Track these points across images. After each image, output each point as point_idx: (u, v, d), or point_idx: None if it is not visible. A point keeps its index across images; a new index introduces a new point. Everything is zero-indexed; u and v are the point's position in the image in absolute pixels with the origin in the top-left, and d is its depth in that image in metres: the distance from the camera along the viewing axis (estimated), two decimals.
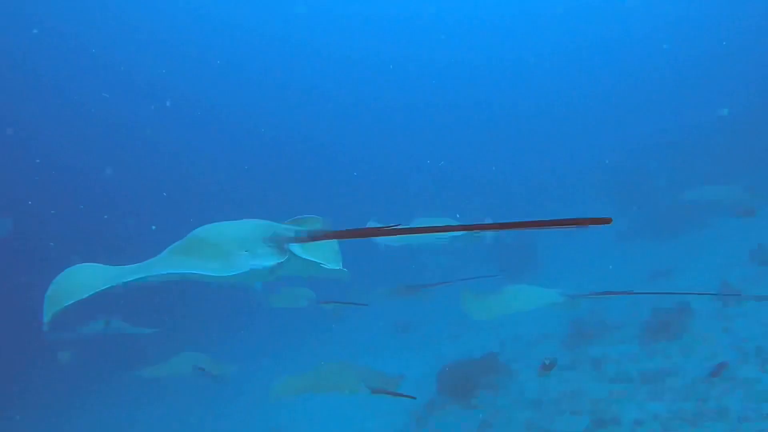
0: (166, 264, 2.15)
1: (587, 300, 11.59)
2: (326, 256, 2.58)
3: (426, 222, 5.92)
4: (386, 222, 6.11)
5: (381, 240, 5.90)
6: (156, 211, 23.64)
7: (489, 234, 5.62)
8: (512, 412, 8.44)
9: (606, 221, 1.81)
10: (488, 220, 6.11)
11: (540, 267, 17.58)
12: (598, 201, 21.18)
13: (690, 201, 9.76)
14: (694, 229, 15.55)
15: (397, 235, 2.19)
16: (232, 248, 2.25)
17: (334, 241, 2.63)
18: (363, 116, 38.51)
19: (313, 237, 2.35)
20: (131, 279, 2.15)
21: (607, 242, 18.18)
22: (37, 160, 21.99)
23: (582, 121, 33.99)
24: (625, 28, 37.71)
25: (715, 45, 31.93)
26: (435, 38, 39.79)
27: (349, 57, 39.12)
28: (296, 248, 2.39)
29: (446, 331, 14.39)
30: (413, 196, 26.31)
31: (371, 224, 5.61)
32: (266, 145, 34.54)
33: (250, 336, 16.85)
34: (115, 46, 28.93)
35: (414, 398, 4.98)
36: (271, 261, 2.28)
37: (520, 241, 17.83)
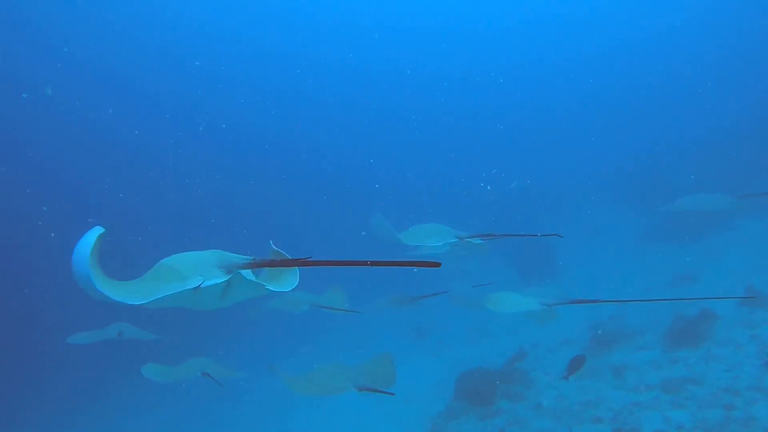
0: (142, 288, 2.55)
1: (608, 306, 11.43)
2: (285, 280, 3.14)
3: (421, 229, 5.97)
4: (390, 215, 6.13)
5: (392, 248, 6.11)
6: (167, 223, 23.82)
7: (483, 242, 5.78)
8: (531, 420, 8.28)
9: (435, 265, 2.02)
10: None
11: (560, 272, 17.35)
12: (618, 204, 20.91)
13: (679, 211, 9.52)
14: (718, 232, 15.23)
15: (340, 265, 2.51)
16: (189, 273, 2.69)
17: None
18: (375, 123, 38.39)
19: (258, 264, 2.81)
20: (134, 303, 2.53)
21: (629, 246, 17.93)
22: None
23: (601, 124, 33.62)
24: (643, 29, 37.24)
25: (736, 45, 31.40)
26: (454, 44, 39.65)
27: (357, 65, 39.05)
28: (247, 273, 2.84)
29: (463, 337, 14.26)
30: (424, 201, 26.27)
31: (377, 216, 5.71)
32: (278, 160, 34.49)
33: (259, 342, 16.88)
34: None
35: (393, 395, 5.19)
36: (219, 280, 2.71)
37: (539, 247, 17.63)
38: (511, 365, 10.47)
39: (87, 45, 27.79)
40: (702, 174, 17.16)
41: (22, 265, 16.91)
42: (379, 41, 39.11)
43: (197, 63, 31.92)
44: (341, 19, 37.61)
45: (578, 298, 5.56)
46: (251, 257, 2.88)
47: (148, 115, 30.66)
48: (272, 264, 2.78)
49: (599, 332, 10.43)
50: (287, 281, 3.14)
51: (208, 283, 2.66)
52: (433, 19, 39.11)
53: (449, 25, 39.45)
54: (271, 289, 2.94)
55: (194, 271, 2.69)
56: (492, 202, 23.99)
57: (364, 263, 2.33)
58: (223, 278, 2.71)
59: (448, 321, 14.95)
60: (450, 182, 29.91)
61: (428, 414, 9.92)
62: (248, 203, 26.91)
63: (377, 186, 29.07)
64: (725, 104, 25.06)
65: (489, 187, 24.48)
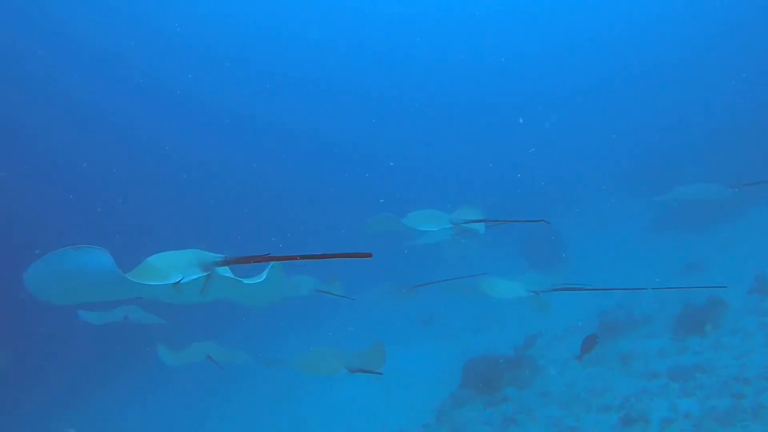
0: (129, 284, 2.79)
1: (616, 294, 11.34)
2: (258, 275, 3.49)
3: (417, 215, 6.10)
4: (390, 211, 6.19)
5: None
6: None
7: (483, 228, 6.07)
8: (538, 407, 8.25)
9: (367, 255, 2.25)
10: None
11: (568, 260, 17.25)
12: (628, 192, 20.76)
13: (676, 200, 9.54)
14: (729, 221, 15.09)
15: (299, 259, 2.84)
16: (170, 270, 2.98)
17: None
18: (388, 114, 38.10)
19: (230, 262, 3.12)
20: (113, 298, 2.97)
21: (638, 234, 17.82)
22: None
23: (610, 110, 33.35)
24: (653, 15, 36.76)
25: (745, 30, 30.95)
26: (458, 33, 39.26)
27: (358, 56, 38.66)
28: (224, 270, 3.15)
29: (469, 325, 14.25)
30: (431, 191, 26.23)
31: (374, 218, 5.93)
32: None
33: (262, 330, 16.95)
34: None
35: (381, 374, 5.48)
36: (196, 276, 3.01)
37: (548, 235, 17.53)
38: (519, 353, 10.44)
39: (87, 30, 27.64)
40: (712, 161, 17.01)
41: (23, 253, 17.00)
42: (390, 28, 38.74)
43: (179, 28, 31.17)
44: (348, 7, 37.24)
45: (576, 285, 5.70)
46: (224, 255, 3.18)
47: (147, 106, 30.56)
48: (241, 261, 3.09)
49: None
50: (260, 274, 3.52)
51: (187, 279, 2.96)
52: (439, 9, 38.69)
53: (453, 15, 39.02)
54: (245, 282, 3.23)
55: (175, 268, 2.99)
56: (502, 190, 23.93)
57: (311, 257, 2.74)
58: (200, 275, 3.01)
59: (454, 308, 14.93)
60: (461, 172, 29.85)
61: (434, 401, 9.91)
62: (250, 197, 26.92)
63: (391, 164, 29.06)
64: (735, 91, 24.73)
65: (519, 175, 24.71)
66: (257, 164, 31.07)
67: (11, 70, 24.32)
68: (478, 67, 39.43)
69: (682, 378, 7.60)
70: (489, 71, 39.42)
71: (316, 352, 5.79)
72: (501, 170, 29.02)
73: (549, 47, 38.84)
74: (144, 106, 30.23)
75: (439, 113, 37.48)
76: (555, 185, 25.10)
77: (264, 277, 3.33)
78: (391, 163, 30.58)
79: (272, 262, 3.19)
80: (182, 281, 2.92)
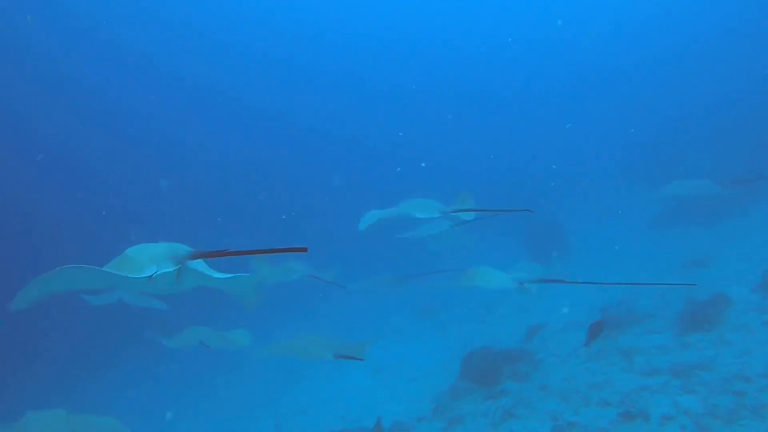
0: (108, 279, 3.00)
1: (617, 289, 11.27)
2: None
3: (408, 204, 6.20)
4: (394, 200, 6.20)
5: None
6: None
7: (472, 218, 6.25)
8: (537, 401, 8.19)
9: (302, 250, 2.48)
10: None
11: (570, 252, 17.17)
12: (632, 185, 20.65)
13: (667, 196, 9.54)
14: (735, 217, 14.97)
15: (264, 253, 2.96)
16: (145, 262, 3.12)
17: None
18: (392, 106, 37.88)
19: (200, 256, 3.24)
20: (94, 287, 3.16)
21: (641, 229, 17.72)
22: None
23: (616, 103, 33.13)
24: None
25: (753, 21, 30.64)
26: (468, 23, 38.96)
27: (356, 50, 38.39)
28: (196, 263, 3.29)
29: (469, 317, 14.19)
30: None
31: (372, 212, 6.06)
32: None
33: (261, 321, 16.95)
34: None
35: (362, 360, 5.60)
36: (168, 268, 3.12)
37: (549, 227, 17.45)
38: (520, 346, 10.40)
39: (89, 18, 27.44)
40: (718, 156, 16.88)
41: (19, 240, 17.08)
42: (396, 19, 38.45)
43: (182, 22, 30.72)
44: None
45: (575, 279, 5.63)
46: (194, 249, 3.32)
47: (145, 97, 30.38)
48: (208, 255, 3.22)
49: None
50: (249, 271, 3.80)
51: (160, 272, 3.09)
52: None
53: (458, 5, 38.71)
54: (216, 276, 3.35)
55: (150, 261, 3.12)
56: (506, 183, 23.87)
57: (251, 252, 2.98)
58: (172, 268, 3.14)
59: (454, 300, 14.89)
60: (466, 162, 29.80)
61: (433, 393, 9.89)
62: (250, 189, 26.87)
63: (401, 134, 28.99)
64: (741, 85, 24.48)
65: (554, 166, 24.81)
66: (259, 154, 31.04)
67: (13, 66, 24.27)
68: (481, 59, 39.22)
69: (684, 375, 7.53)
70: (491, 64, 39.20)
71: (303, 337, 5.94)
72: (506, 162, 28.95)
73: (554, 41, 38.57)
74: (142, 98, 30.14)
75: (441, 108, 37.31)
76: (561, 178, 25.02)
77: (238, 273, 3.44)
78: (401, 133, 30.58)
79: (259, 261, 3.34)
80: (155, 274, 3.03)
